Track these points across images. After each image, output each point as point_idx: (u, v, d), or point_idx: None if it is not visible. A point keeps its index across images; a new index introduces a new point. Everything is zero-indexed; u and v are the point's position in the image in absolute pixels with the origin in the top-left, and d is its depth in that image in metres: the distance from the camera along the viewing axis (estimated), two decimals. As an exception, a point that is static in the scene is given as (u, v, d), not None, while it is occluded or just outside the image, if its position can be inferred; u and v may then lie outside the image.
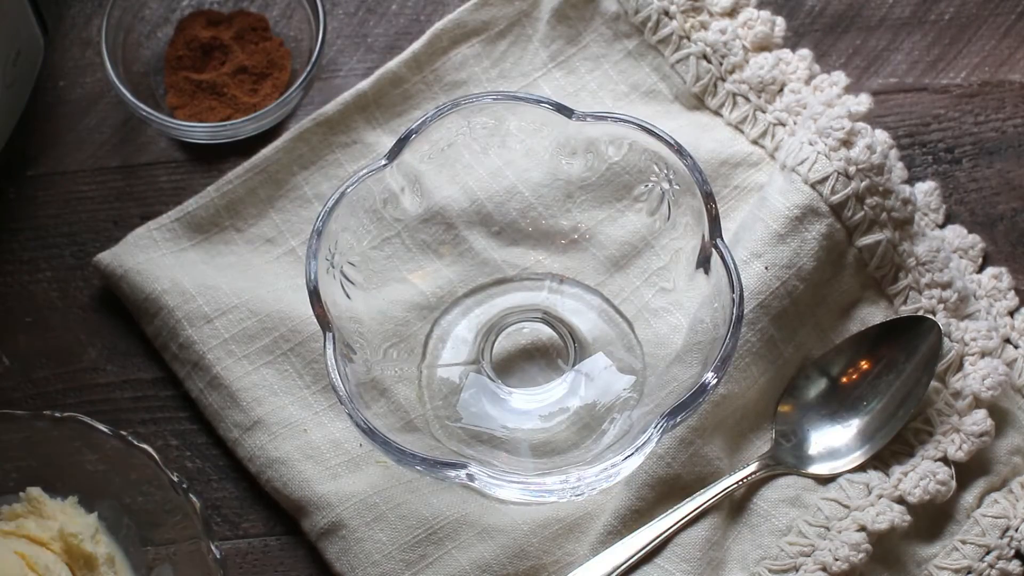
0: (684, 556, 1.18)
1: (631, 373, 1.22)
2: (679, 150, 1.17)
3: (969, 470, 1.22)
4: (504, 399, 1.22)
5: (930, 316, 1.23)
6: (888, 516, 1.18)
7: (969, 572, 1.19)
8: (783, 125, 1.29)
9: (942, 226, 1.29)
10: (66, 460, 1.20)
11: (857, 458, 1.21)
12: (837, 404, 1.22)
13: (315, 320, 1.16)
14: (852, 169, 1.23)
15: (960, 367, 1.23)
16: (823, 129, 1.25)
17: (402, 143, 1.18)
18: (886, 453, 1.22)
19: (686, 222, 1.18)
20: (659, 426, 1.12)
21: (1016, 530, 1.20)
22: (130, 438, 1.18)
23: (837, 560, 1.18)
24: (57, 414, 1.18)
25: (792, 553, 1.19)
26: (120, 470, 1.19)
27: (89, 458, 1.20)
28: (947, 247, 1.27)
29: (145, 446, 1.18)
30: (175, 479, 1.17)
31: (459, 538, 1.20)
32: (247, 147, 1.31)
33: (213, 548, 1.16)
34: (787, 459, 1.21)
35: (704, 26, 1.31)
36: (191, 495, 1.17)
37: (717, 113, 1.30)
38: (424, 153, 1.19)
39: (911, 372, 1.21)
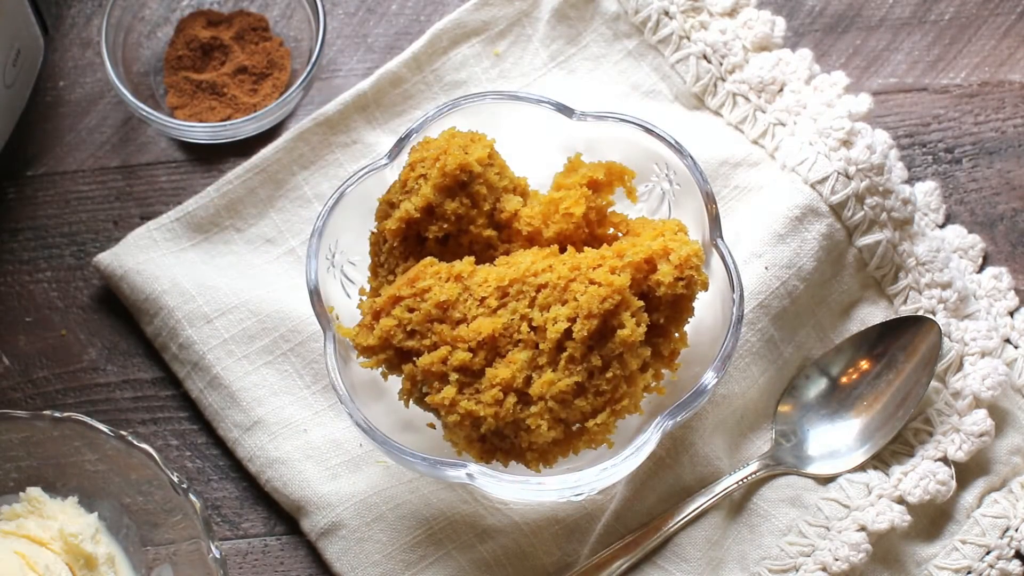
0: (684, 556, 1.18)
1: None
2: (679, 150, 1.17)
3: (969, 470, 1.22)
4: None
5: (930, 316, 1.23)
6: (888, 516, 1.19)
7: (969, 572, 1.20)
8: (783, 125, 1.29)
9: (942, 226, 1.29)
10: (66, 460, 1.20)
11: (857, 458, 1.21)
12: (837, 404, 1.22)
13: (315, 320, 1.17)
14: (852, 169, 1.23)
15: (960, 367, 1.23)
16: (823, 129, 1.25)
17: (402, 143, 1.18)
18: (886, 453, 1.22)
19: (686, 222, 1.18)
20: (658, 426, 1.12)
21: (1016, 530, 1.20)
22: (130, 438, 1.18)
23: (837, 560, 1.18)
24: (57, 414, 1.18)
25: (792, 553, 1.19)
26: (120, 470, 1.19)
27: (89, 458, 1.20)
28: (947, 247, 1.27)
29: (145, 446, 1.18)
30: (175, 479, 1.17)
31: (459, 538, 1.20)
32: (247, 147, 1.31)
33: (213, 548, 1.16)
34: (787, 459, 1.21)
35: (704, 26, 1.31)
36: (191, 495, 1.17)
37: (717, 113, 1.30)
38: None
39: (911, 372, 1.21)
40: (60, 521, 1.17)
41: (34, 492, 1.19)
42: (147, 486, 1.19)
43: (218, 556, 1.16)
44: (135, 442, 1.18)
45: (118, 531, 1.20)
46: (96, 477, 1.20)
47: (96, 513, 1.20)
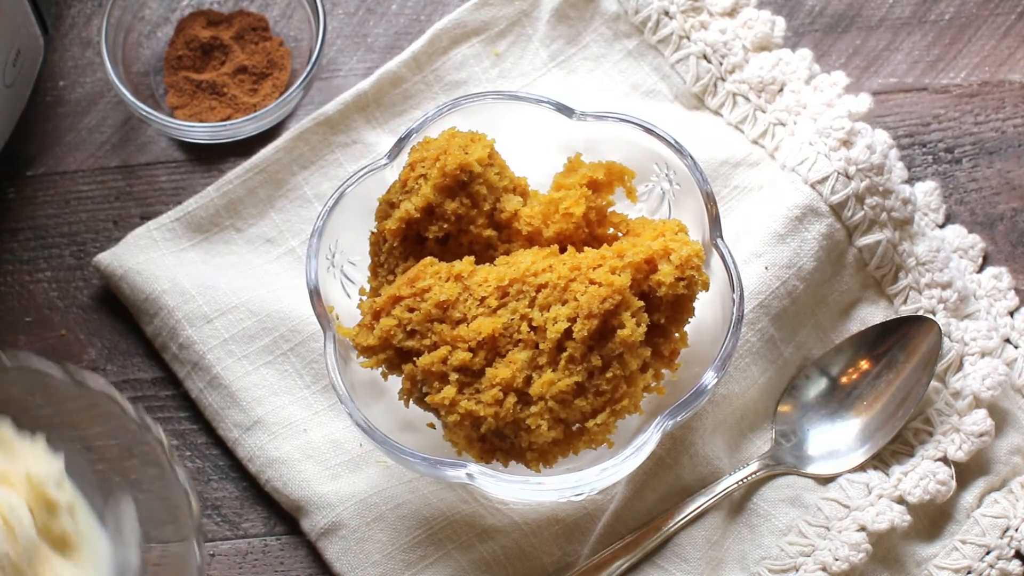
0: (684, 556, 1.18)
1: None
2: (679, 149, 1.17)
3: (969, 470, 1.22)
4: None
5: (930, 316, 1.24)
6: (888, 516, 1.19)
7: (969, 572, 1.20)
8: (783, 125, 1.29)
9: (942, 226, 1.29)
10: (22, 401, 1.17)
11: (857, 458, 1.21)
12: (837, 404, 1.22)
13: (315, 320, 1.17)
14: (852, 169, 1.23)
15: (960, 367, 1.23)
16: (823, 129, 1.25)
17: (402, 143, 1.18)
18: (886, 453, 1.22)
19: (687, 222, 1.18)
20: (658, 426, 1.12)
21: (1016, 530, 1.20)
22: (86, 377, 1.15)
23: (837, 560, 1.18)
24: (7, 361, 1.15)
25: (792, 553, 1.19)
26: (81, 412, 1.16)
27: (45, 400, 1.16)
28: (947, 247, 1.27)
29: (102, 383, 1.14)
30: (135, 414, 1.14)
31: (459, 538, 1.20)
32: (247, 147, 1.31)
33: (180, 476, 1.13)
34: (787, 459, 1.21)
35: (704, 26, 1.31)
36: (154, 427, 1.13)
37: (717, 113, 1.30)
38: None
39: (911, 372, 1.21)
40: (27, 463, 1.14)
41: (4, 427, 1.15)
42: (110, 426, 1.15)
43: (187, 488, 1.12)
44: (91, 385, 1.15)
45: (77, 474, 1.17)
46: (54, 419, 1.17)
47: (63, 456, 1.16)
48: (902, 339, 1.22)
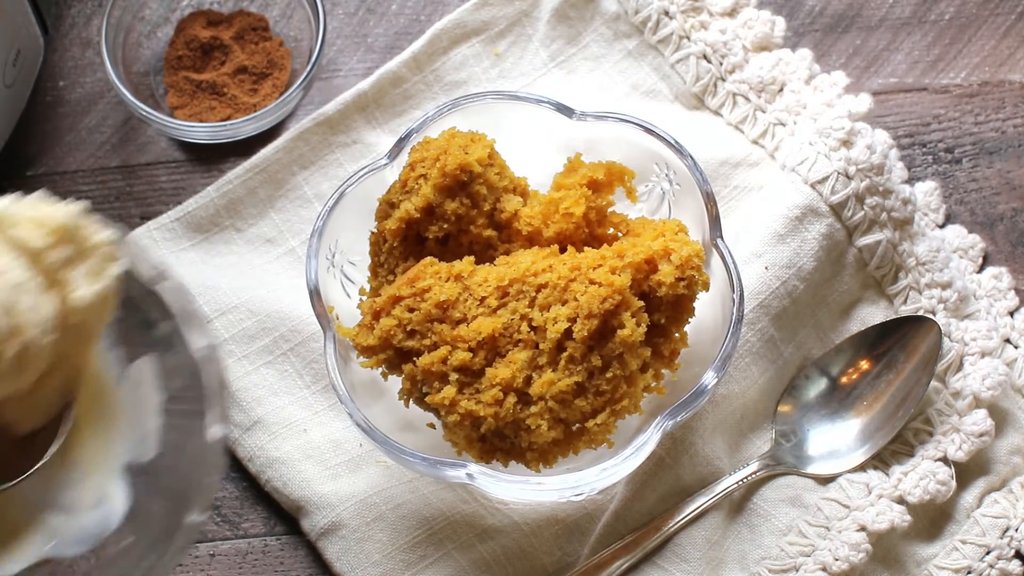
0: (684, 556, 1.18)
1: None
2: (679, 150, 1.17)
3: (969, 470, 1.22)
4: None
5: (930, 316, 1.24)
6: (888, 516, 1.19)
7: (969, 572, 1.20)
8: (783, 125, 1.29)
9: (942, 226, 1.29)
10: None
11: (857, 458, 1.21)
12: (837, 404, 1.22)
13: (315, 320, 1.17)
14: (852, 169, 1.23)
15: (960, 367, 1.23)
16: (823, 129, 1.25)
17: (402, 143, 1.18)
18: (886, 453, 1.22)
19: (687, 222, 1.18)
20: (658, 426, 1.12)
21: (1016, 530, 1.20)
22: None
23: (837, 560, 1.18)
24: None
25: (792, 553, 1.19)
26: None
27: None
28: (947, 247, 1.27)
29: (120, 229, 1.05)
30: (148, 266, 1.05)
31: (459, 538, 1.20)
32: (247, 147, 1.31)
33: (204, 337, 1.05)
34: (787, 459, 1.21)
35: (704, 26, 1.31)
36: (164, 297, 1.04)
37: (717, 113, 1.30)
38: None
39: (911, 372, 1.21)
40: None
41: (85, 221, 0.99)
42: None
43: (213, 351, 1.03)
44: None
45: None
46: None
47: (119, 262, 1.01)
48: (902, 339, 1.22)
